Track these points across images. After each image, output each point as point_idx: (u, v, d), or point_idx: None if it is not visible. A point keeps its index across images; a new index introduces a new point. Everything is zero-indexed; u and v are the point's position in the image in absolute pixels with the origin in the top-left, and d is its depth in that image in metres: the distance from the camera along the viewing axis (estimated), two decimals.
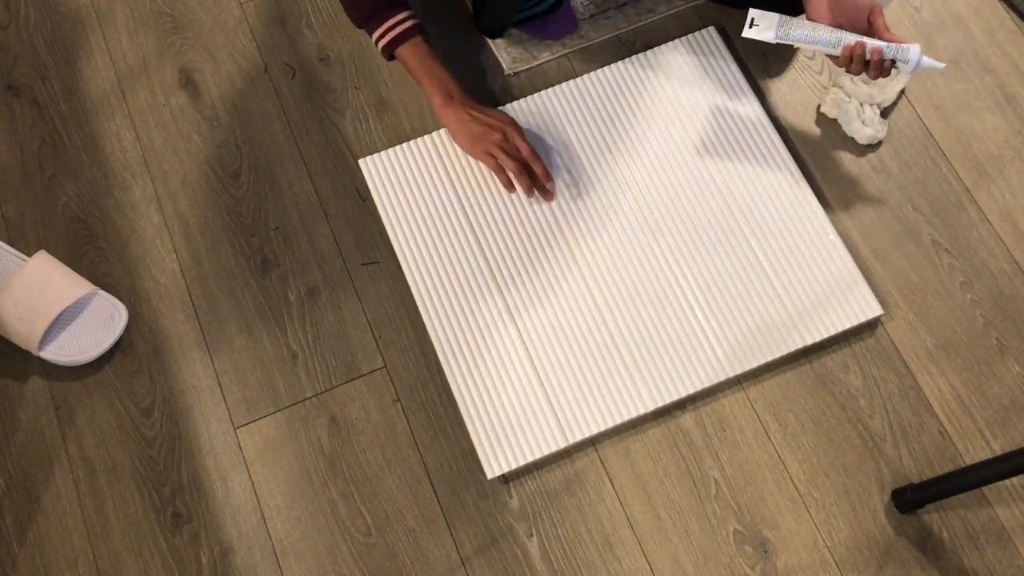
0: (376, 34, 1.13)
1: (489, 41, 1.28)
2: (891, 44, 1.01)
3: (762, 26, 1.08)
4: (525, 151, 1.14)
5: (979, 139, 1.23)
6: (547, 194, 1.16)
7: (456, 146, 1.19)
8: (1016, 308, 1.15)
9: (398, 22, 1.12)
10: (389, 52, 1.14)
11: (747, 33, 1.08)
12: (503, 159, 1.14)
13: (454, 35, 1.29)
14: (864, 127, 1.19)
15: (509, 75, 1.26)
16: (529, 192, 1.15)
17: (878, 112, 1.20)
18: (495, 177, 1.16)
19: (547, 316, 1.12)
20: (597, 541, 1.06)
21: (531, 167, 1.15)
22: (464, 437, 1.10)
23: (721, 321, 1.11)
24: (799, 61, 1.27)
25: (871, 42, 1.01)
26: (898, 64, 1.02)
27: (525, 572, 1.05)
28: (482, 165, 1.18)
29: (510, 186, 1.16)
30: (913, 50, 1.00)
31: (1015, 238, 1.18)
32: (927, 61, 1.01)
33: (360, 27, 1.15)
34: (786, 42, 1.06)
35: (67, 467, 1.10)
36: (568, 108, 1.22)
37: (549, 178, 1.15)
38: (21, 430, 1.12)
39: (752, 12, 1.08)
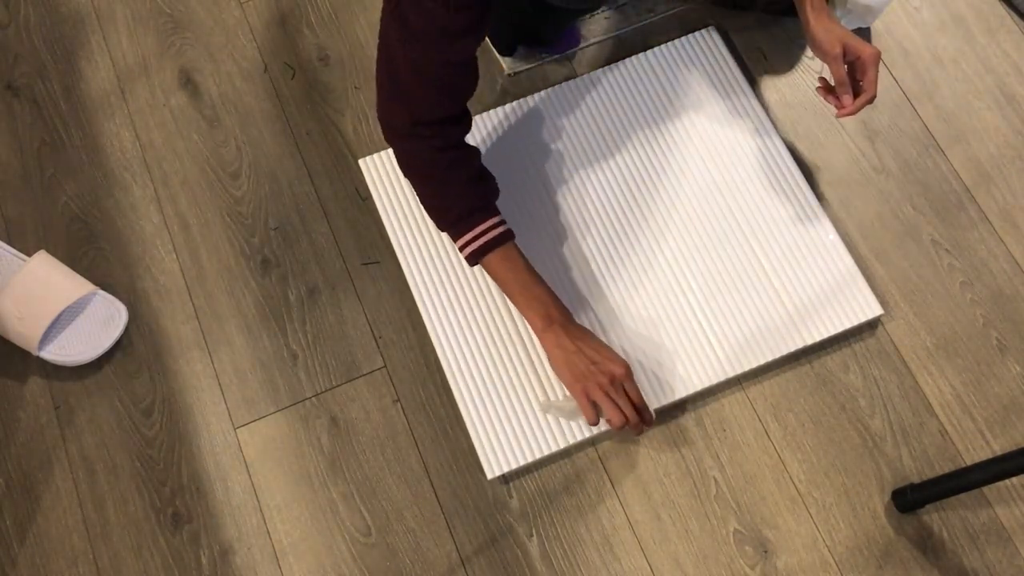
0: (463, 240, 1.01)
1: (489, 41, 1.27)
2: None
3: None
4: (637, 401, 1.01)
5: (979, 139, 1.23)
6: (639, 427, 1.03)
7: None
8: (1016, 308, 1.15)
9: (488, 228, 1.01)
10: (476, 259, 1.02)
11: None
12: (607, 407, 0.99)
13: None
14: None
15: (509, 75, 1.26)
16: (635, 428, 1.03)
17: None
18: (586, 417, 1.02)
19: None
20: (597, 541, 1.06)
21: (640, 417, 1.02)
22: (464, 437, 1.10)
23: (721, 321, 1.11)
24: (799, 61, 1.27)
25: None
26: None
27: (525, 572, 1.05)
28: None
29: (595, 421, 1.02)
30: None
31: (1015, 238, 1.18)
32: None
33: (442, 229, 1.04)
34: None
35: (67, 467, 1.10)
36: (568, 108, 1.22)
37: (651, 422, 1.04)
38: (21, 430, 1.12)
39: None
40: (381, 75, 0.98)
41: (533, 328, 1.04)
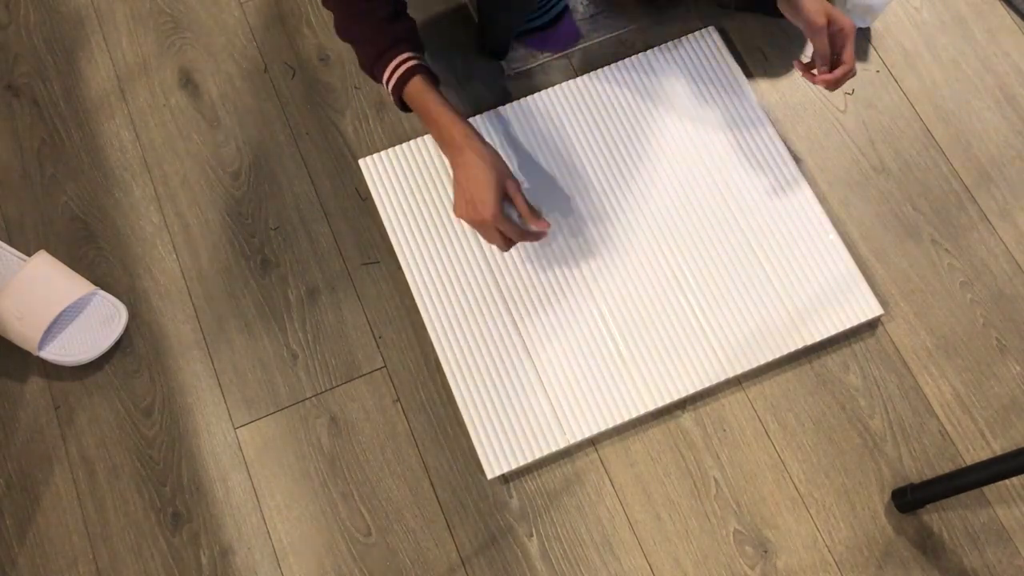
0: (384, 77, 1.04)
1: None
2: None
3: None
4: (518, 226, 1.05)
5: (979, 139, 1.23)
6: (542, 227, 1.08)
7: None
8: (1016, 308, 1.15)
9: (403, 60, 1.03)
10: (398, 96, 1.05)
11: None
12: (491, 241, 1.06)
13: (455, 38, 1.29)
14: None
15: (509, 75, 1.26)
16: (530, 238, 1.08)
17: None
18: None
19: (547, 316, 1.12)
20: (597, 541, 1.06)
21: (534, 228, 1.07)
22: (464, 437, 1.10)
23: (721, 321, 1.11)
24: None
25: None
26: None
27: (525, 572, 1.05)
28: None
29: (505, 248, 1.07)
30: None
31: (1015, 238, 1.18)
32: None
33: (372, 77, 1.07)
34: None
35: (67, 467, 1.10)
36: (568, 108, 1.22)
37: (544, 228, 1.07)
38: (21, 430, 1.12)
39: None
40: None
41: (445, 154, 1.06)
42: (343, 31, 1.07)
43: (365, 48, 1.05)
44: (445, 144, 1.05)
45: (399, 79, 1.04)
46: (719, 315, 1.11)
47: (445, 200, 1.18)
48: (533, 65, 1.27)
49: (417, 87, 1.04)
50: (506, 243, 1.06)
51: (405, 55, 1.04)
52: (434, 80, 1.05)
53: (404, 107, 1.07)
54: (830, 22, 1.03)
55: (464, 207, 1.05)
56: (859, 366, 1.12)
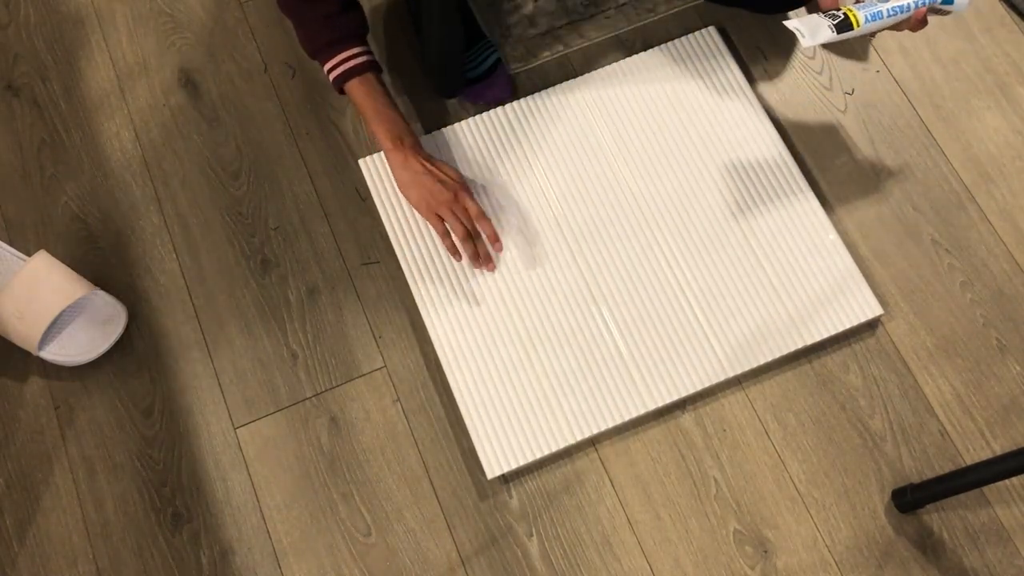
0: (327, 66, 1.08)
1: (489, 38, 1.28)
2: None
3: (813, 30, 0.95)
4: (474, 211, 1.10)
5: (979, 139, 1.23)
6: (490, 263, 1.12)
7: (396, 186, 1.17)
8: (1016, 308, 1.15)
9: (350, 56, 1.08)
10: (339, 86, 1.09)
11: (808, 43, 0.95)
12: (452, 222, 1.10)
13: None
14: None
15: (509, 75, 1.26)
16: (475, 260, 1.12)
17: None
18: (441, 240, 1.12)
19: (546, 315, 1.12)
20: (597, 541, 1.06)
21: (480, 228, 1.11)
22: (464, 437, 1.10)
23: (721, 321, 1.11)
24: (799, 61, 1.27)
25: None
26: (945, 5, 0.95)
27: (525, 572, 1.05)
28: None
29: (456, 253, 1.12)
30: None
31: (1015, 238, 1.18)
32: None
33: (311, 58, 1.10)
34: (852, 34, 0.95)
35: (67, 467, 1.10)
36: (568, 108, 1.22)
37: (497, 239, 1.11)
38: (21, 430, 1.12)
39: (792, 25, 0.96)
40: None
41: (383, 148, 1.12)
42: (287, 7, 1.08)
43: (309, 35, 1.09)
44: (392, 143, 1.10)
45: (343, 73, 1.08)
46: (719, 315, 1.11)
47: None
48: (533, 65, 1.27)
49: (363, 86, 1.09)
50: (465, 223, 1.09)
51: (352, 51, 1.08)
52: (378, 73, 1.11)
53: (339, 90, 1.10)
54: None
55: (431, 188, 1.09)
56: (859, 366, 1.12)
